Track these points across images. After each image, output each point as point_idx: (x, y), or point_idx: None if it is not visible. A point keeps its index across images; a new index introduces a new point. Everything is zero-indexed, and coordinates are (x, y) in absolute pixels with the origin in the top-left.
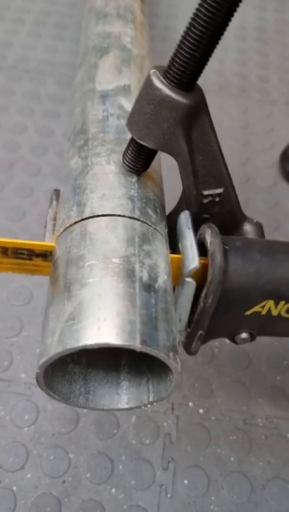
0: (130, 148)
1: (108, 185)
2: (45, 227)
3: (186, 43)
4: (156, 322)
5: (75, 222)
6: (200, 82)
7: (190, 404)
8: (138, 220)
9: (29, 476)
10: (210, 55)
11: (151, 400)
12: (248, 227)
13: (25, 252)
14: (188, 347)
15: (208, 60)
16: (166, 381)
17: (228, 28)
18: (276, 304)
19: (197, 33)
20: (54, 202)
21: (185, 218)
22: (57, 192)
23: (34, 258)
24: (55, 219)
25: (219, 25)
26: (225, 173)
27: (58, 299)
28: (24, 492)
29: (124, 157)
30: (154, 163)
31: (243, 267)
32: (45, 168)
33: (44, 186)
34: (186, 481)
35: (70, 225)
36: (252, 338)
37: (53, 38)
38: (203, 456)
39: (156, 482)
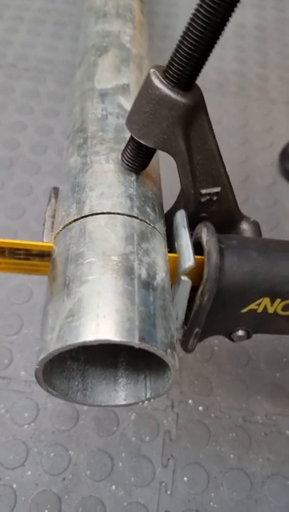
0: (129, 146)
1: (107, 183)
2: (44, 225)
3: (185, 43)
4: (154, 319)
5: (75, 220)
6: (199, 79)
7: (190, 401)
8: (137, 218)
9: (29, 473)
10: (208, 55)
11: (148, 396)
12: (245, 226)
13: (22, 252)
14: (185, 344)
15: (206, 60)
16: (164, 378)
17: (227, 27)
18: (272, 302)
19: (196, 33)
20: (53, 200)
21: (181, 217)
22: (56, 190)
23: (31, 258)
24: (53, 217)
25: (217, 25)
26: (222, 173)
27: (58, 296)
28: (24, 489)
29: (123, 156)
30: (152, 161)
31: (239, 265)
32: (44, 167)
33: (44, 185)
34: (185, 478)
35: (70, 223)
36: (248, 335)
37: (52, 36)
38: (202, 453)
39: (156, 479)
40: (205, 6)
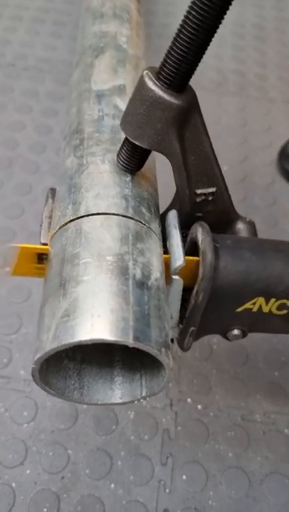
0: (124, 147)
1: (103, 184)
2: (41, 225)
3: (178, 45)
4: (148, 319)
5: (71, 221)
6: (199, 78)
7: (188, 400)
8: (132, 218)
9: (28, 472)
10: (201, 57)
11: (144, 394)
12: (240, 226)
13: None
14: (181, 343)
15: (199, 61)
16: (159, 377)
17: (226, 26)
18: (267, 301)
19: (188, 35)
20: (50, 200)
21: (172, 217)
22: (53, 191)
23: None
24: (50, 217)
25: (210, 27)
26: (217, 173)
27: (54, 296)
28: (23, 488)
29: (118, 156)
30: (148, 162)
31: (233, 264)
32: (43, 166)
33: (42, 184)
34: (184, 477)
35: (66, 223)
36: (244, 334)
37: (51, 35)
38: (201, 451)
39: (155, 477)
40: (196, 8)
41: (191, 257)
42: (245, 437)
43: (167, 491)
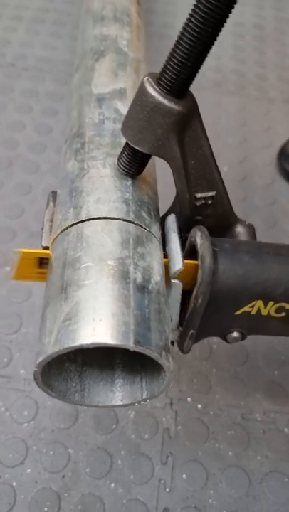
0: (125, 152)
1: (104, 188)
2: (42, 229)
3: (178, 52)
4: (149, 322)
5: (72, 225)
6: (199, 78)
7: (188, 399)
8: (132, 222)
9: (29, 471)
10: (202, 63)
11: (144, 397)
12: (240, 229)
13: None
14: (180, 345)
15: (199, 67)
16: (159, 379)
17: (226, 26)
18: (265, 304)
19: (188, 42)
20: (51, 203)
21: (171, 222)
22: (54, 194)
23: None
24: (51, 220)
25: (210, 33)
26: (217, 177)
27: (55, 300)
28: (24, 487)
29: (119, 161)
30: (148, 165)
31: (232, 268)
32: (43, 166)
33: (43, 184)
34: (184, 476)
35: (67, 227)
36: (243, 337)
37: (51, 35)
38: (201, 450)
39: (155, 476)
40: (196, 16)
41: (190, 261)
42: (245, 436)
43: (167, 489)
